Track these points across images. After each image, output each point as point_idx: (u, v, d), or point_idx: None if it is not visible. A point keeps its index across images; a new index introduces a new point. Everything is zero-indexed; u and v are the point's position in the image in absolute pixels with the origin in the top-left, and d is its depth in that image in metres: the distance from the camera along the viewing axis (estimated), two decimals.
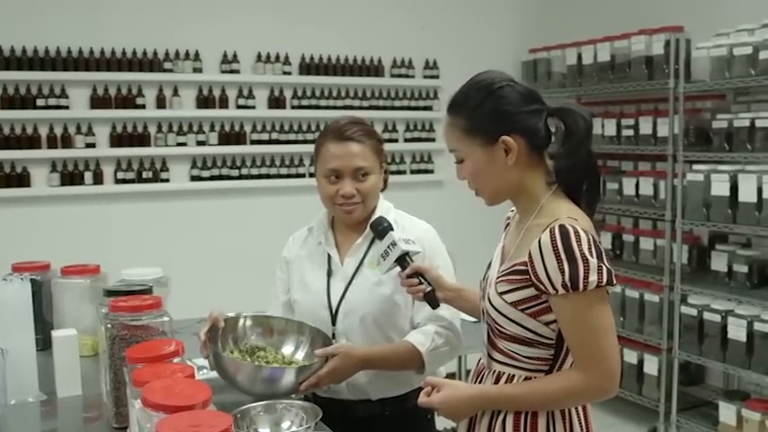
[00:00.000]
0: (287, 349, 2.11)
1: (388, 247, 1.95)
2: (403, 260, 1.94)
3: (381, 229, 2.00)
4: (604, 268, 1.56)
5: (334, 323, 2.15)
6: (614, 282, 1.58)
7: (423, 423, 2.18)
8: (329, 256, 2.21)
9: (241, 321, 2.13)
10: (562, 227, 1.58)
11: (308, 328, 2.12)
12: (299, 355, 2.09)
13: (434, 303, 1.94)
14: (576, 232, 1.57)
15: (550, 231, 1.58)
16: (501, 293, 1.67)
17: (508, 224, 1.90)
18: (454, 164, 1.77)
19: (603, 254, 1.59)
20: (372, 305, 2.10)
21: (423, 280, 1.93)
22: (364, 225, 2.16)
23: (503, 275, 1.70)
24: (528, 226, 1.69)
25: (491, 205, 1.80)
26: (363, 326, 2.11)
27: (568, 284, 1.55)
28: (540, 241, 1.59)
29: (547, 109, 1.71)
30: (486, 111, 1.67)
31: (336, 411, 2.04)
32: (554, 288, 1.58)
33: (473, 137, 1.68)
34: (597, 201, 1.74)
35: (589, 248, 1.56)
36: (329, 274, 2.19)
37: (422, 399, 1.74)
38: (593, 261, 1.55)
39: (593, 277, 1.55)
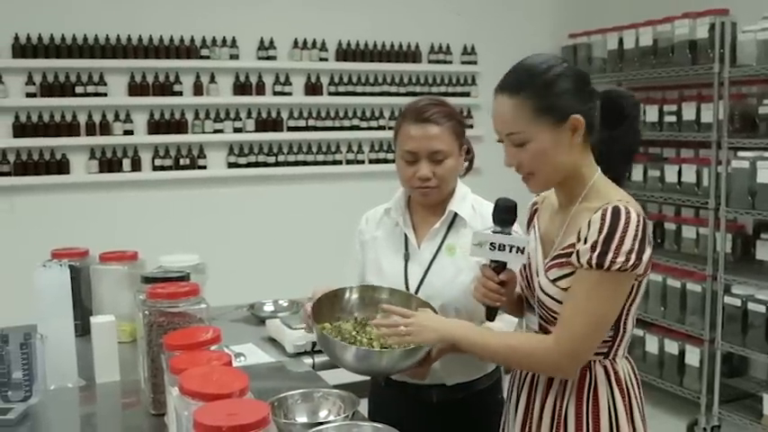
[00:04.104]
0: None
1: (510, 247, 1.69)
2: (504, 267, 1.75)
3: (506, 218, 1.75)
4: (633, 254, 1.54)
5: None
6: (638, 269, 1.56)
7: (493, 406, 2.14)
8: (406, 238, 2.16)
9: (347, 293, 2.07)
10: (616, 208, 1.57)
11: (416, 300, 2.02)
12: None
13: (492, 317, 1.80)
14: (628, 214, 1.56)
15: (602, 212, 1.57)
16: (554, 280, 1.65)
17: (536, 209, 1.88)
18: (508, 147, 1.67)
19: (647, 237, 1.58)
20: (453, 294, 2.04)
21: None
22: (442, 209, 2.13)
23: (552, 262, 1.67)
24: (575, 211, 1.67)
25: (538, 191, 1.77)
26: (443, 313, 2.05)
27: (593, 263, 1.55)
28: (590, 221, 1.58)
29: (596, 92, 1.72)
30: (558, 90, 1.63)
31: (411, 394, 2.04)
32: (579, 262, 1.58)
33: (543, 116, 1.62)
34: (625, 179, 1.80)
35: (635, 233, 1.55)
36: (406, 258, 2.14)
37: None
38: (627, 245, 1.54)
39: (620, 259, 1.54)
